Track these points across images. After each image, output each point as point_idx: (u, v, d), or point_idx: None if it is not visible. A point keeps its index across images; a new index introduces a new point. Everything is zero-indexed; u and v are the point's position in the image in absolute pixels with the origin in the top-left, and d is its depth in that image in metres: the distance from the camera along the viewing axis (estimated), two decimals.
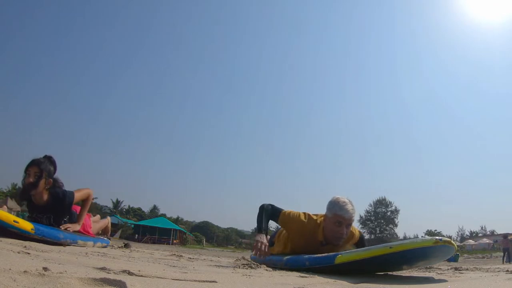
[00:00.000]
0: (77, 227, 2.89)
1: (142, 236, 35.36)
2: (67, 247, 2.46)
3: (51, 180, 2.81)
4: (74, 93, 79.09)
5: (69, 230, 2.77)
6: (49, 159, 2.84)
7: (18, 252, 1.61)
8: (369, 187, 71.92)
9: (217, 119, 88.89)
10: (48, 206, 2.80)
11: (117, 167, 76.88)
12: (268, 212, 2.47)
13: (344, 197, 2.39)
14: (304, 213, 2.48)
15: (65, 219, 2.94)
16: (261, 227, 2.43)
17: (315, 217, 2.46)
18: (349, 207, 2.31)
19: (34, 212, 2.84)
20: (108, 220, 3.88)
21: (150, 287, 0.98)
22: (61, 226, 2.77)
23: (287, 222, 2.47)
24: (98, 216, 3.89)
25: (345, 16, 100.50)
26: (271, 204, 2.53)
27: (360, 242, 2.59)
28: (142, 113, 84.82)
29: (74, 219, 3.03)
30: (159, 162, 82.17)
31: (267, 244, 2.37)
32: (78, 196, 2.93)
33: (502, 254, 15.69)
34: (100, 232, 3.66)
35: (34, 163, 2.74)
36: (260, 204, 2.51)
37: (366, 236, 54.30)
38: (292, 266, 2.16)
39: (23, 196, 2.76)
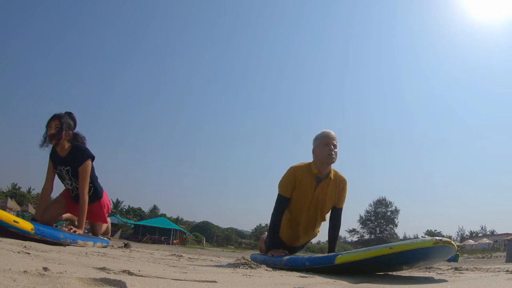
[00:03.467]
0: (80, 231, 2.91)
1: (142, 236, 35.35)
2: (67, 247, 2.46)
3: (71, 132, 3.03)
4: (74, 93, 79.02)
5: (72, 232, 2.78)
6: (69, 115, 3.05)
7: (18, 252, 1.60)
8: (369, 187, 71.97)
9: (217, 119, 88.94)
10: (68, 158, 2.99)
11: (117, 167, 76.72)
12: (278, 217, 2.62)
13: None
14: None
15: None
16: (275, 242, 2.66)
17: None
18: (330, 130, 2.61)
19: (57, 166, 3.02)
20: (107, 222, 3.86)
21: (150, 287, 0.98)
22: (64, 228, 2.78)
23: (287, 184, 2.61)
24: None
25: (345, 16, 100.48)
26: (273, 212, 2.65)
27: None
28: (142, 113, 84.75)
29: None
30: (159, 162, 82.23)
31: (286, 251, 2.60)
32: (90, 164, 3.03)
33: (504, 254, 15.70)
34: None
35: (55, 117, 2.96)
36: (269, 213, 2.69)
37: (366, 236, 54.84)
38: (292, 266, 2.17)
39: (46, 143, 2.95)
